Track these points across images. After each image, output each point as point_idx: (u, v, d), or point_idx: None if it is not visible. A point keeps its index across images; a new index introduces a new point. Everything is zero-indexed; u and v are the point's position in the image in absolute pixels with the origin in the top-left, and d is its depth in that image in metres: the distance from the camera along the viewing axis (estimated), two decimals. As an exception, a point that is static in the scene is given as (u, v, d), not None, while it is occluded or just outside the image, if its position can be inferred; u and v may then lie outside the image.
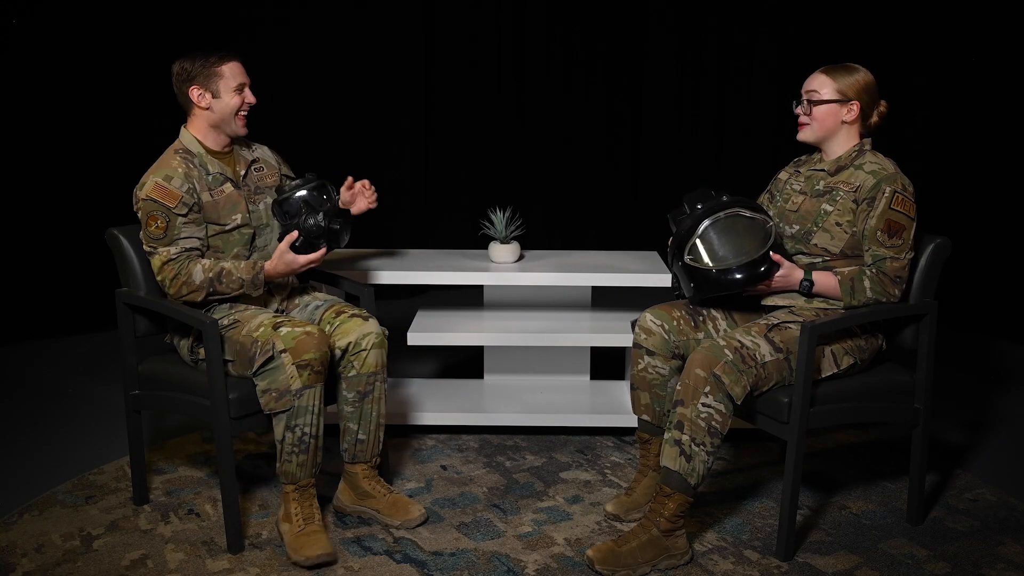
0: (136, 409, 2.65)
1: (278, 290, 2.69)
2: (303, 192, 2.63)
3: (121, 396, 2.66)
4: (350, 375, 2.57)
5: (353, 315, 2.61)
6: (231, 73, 2.54)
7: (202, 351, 2.51)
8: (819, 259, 2.51)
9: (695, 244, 2.46)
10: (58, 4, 4.25)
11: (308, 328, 2.41)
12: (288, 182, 2.73)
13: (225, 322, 2.48)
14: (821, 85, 2.50)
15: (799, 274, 2.46)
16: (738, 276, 2.42)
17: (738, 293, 2.55)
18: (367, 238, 3.89)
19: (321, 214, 2.57)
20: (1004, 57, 4.35)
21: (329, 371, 2.60)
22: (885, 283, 2.41)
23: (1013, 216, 4.39)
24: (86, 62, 4.34)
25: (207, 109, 2.54)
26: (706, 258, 2.45)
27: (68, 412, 3.47)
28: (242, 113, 2.57)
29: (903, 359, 2.61)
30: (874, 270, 2.42)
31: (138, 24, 4.41)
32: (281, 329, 2.39)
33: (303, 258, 2.54)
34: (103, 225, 2.68)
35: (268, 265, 2.54)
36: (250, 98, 2.58)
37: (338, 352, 2.56)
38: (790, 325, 2.44)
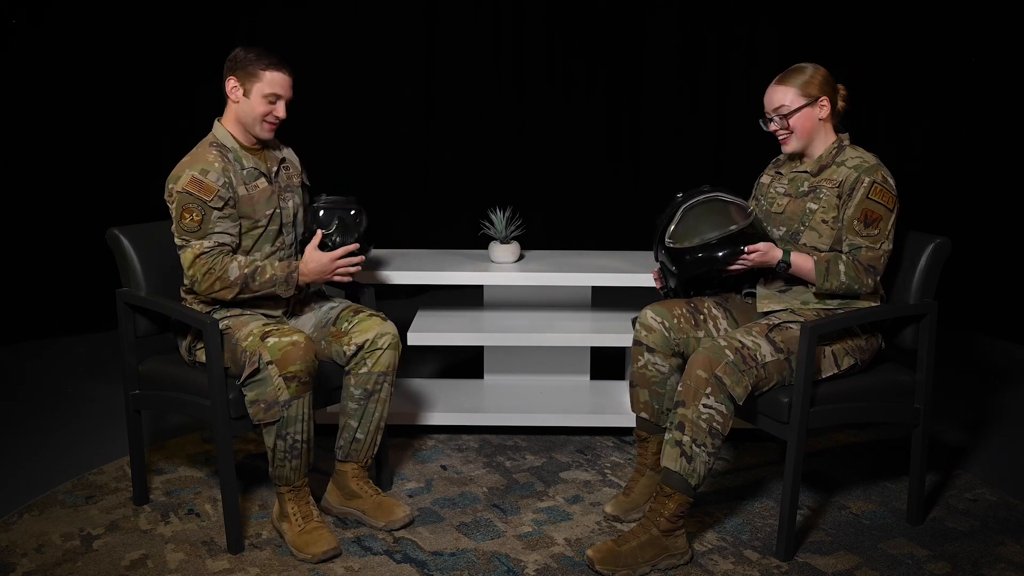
0: (136, 409, 2.65)
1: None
2: (342, 210, 2.62)
3: (121, 396, 2.66)
4: (360, 371, 2.57)
5: (371, 315, 2.62)
6: (269, 80, 2.50)
7: (199, 354, 2.52)
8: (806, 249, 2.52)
9: (676, 227, 2.47)
10: (59, 4, 4.25)
11: (295, 337, 2.38)
12: (328, 196, 2.67)
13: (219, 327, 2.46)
14: (784, 96, 2.50)
15: (777, 253, 2.45)
16: (719, 254, 2.41)
17: (728, 283, 2.58)
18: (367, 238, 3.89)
19: (351, 236, 2.59)
20: (1004, 57, 4.35)
21: (339, 368, 2.61)
22: (859, 271, 2.41)
23: (1013, 216, 4.40)
24: (87, 62, 4.34)
25: (236, 103, 2.54)
26: (685, 238, 2.46)
27: (68, 412, 3.47)
28: (268, 122, 2.55)
29: (903, 359, 2.60)
30: (850, 257, 2.43)
31: (139, 25, 4.41)
32: (268, 339, 2.37)
33: (334, 253, 2.52)
34: (103, 225, 2.68)
35: (302, 265, 2.53)
36: (279, 112, 2.54)
37: (353, 348, 2.56)
38: (791, 325, 2.44)
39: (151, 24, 4.42)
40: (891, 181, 2.44)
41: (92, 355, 4.15)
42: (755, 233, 2.47)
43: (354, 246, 2.57)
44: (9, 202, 4.29)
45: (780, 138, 2.55)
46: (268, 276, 2.50)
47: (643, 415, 2.64)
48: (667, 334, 2.57)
